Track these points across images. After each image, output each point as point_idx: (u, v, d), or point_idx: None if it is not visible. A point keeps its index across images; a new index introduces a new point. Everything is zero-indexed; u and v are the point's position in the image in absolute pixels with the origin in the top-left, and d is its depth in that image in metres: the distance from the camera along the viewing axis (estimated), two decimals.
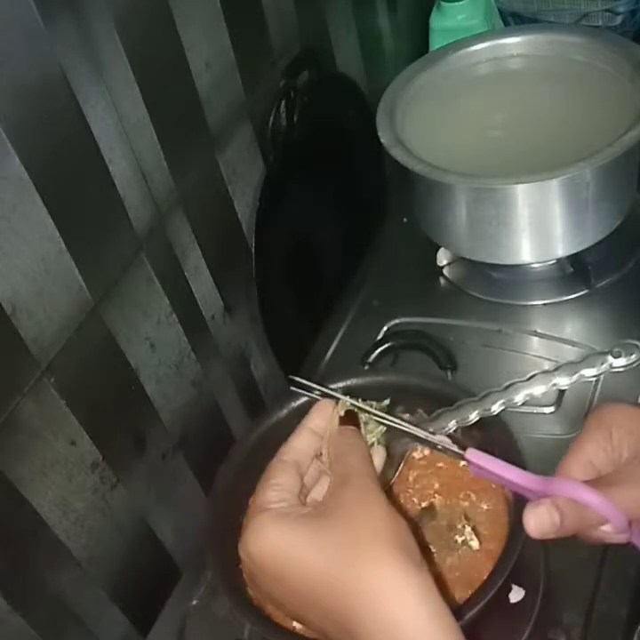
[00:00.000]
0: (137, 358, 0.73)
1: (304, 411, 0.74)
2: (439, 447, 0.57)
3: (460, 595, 0.62)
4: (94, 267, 0.66)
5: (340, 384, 0.73)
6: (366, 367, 0.85)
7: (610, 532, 0.50)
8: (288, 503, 0.50)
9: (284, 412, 0.74)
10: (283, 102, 0.89)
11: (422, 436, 0.57)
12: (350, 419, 0.56)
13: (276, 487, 0.51)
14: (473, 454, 0.54)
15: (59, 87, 0.61)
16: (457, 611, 0.59)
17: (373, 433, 0.57)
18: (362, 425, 0.57)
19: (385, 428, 0.57)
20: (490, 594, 0.57)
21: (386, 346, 0.87)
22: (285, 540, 0.47)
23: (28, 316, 0.60)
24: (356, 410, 0.57)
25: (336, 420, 0.56)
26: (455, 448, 0.56)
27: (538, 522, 0.48)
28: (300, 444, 0.54)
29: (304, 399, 0.73)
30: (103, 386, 0.70)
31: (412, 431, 0.57)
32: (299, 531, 0.47)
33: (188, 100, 0.77)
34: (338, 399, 0.58)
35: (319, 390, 0.60)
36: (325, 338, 0.96)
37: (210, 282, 0.84)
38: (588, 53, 0.92)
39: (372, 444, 0.57)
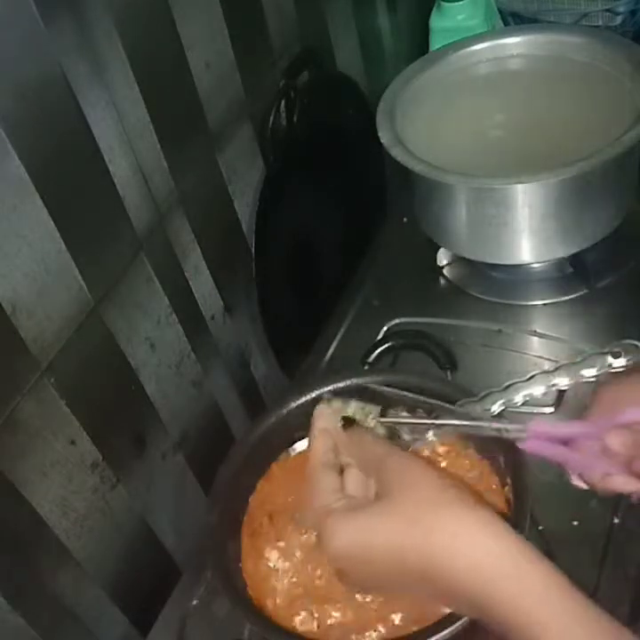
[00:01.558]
0: (137, 358, 0.73)
1: (304, 410, 0.74)
2: (500, 428, 0.58)
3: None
4: (94, 267, 0.66)
5: (340, 384, 0.73)
6: (366, 367, 0.85)
7: None
8: (344, 499, 0.53)
9: (284, 411, 0.74)
10: (283, 102, 0.89)
11: (484, 425, 0.58)
12: (349, 422, 0.59)
13: (326, 491, 0.54)
14: (537, 424, 0.56)
15: (59, 87, 0.61)
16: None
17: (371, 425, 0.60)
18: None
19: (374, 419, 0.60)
20: None
21: (386, 346, 0.87)
22: (361, 527, 0.51)
23: (28, 316, 0.60)
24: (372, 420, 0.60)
25: (338, 422, 0.58)
26: (516, 426, 0.57)
27: (619, 439, 0.54)
28: (319, 446, 0.57)
29: (303, 399, 0.73)
30: (103, 386, 0.70)
31: (465, 424, 0.59)
32: (368, 515, 0.51)
33: (188, 100, 0.77)
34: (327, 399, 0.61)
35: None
36: (325, 338, 0.96)
37: (210, 282, 0.84)
38: (588, 53, 0.92)
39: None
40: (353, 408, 0.60)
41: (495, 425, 0.58)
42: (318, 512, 0.53)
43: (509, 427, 0.57)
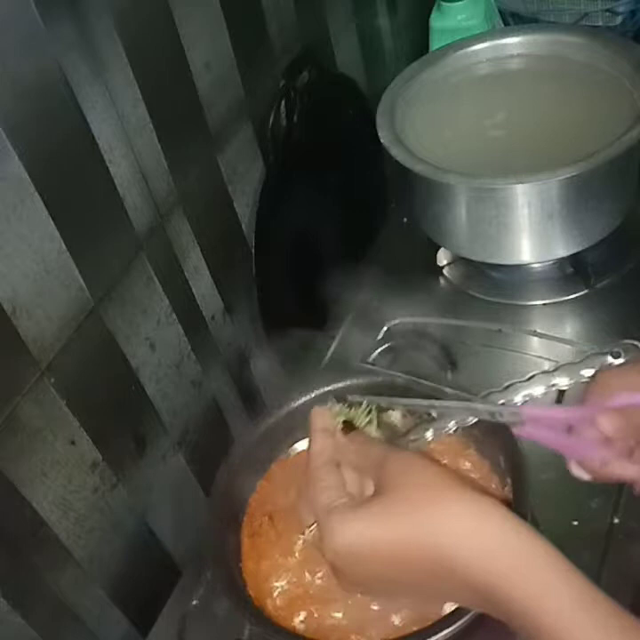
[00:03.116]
0: (137, 358, 0.73)
1: (304, 411, 0.74)
2: (493, 411, 0.57)
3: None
4: (94, 267, 0.66)
5: (340, 384, 0.73)
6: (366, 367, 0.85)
7: None
8: (346, 498, 0.53)
9: (284, 411, 0.74)
10: (283, 102, 0.89)
11: (476, 408, 0.58)
12: (349, 425, 0.58)
13: (329, 488, 0.53)
14: (529, 408, 0.57)
15: (59, 87, 0.61)
16: (457, 611, 0.59)
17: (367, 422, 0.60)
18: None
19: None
20: None
21: (386, 346, 0.87)
22: (363, 526, 0.50)
23: (28, 316, 0.60)
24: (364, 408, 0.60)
25: (338, 426, 0.58)
26: (510, 409, 0.57)
27: (610, 421, 0.54)
28: (321, 446, 0.57)
29: (303, 400, 0.74)
30: (103, 386, 0.70)
31: (460, 406, 0.59)
32: (370, 513, 0.50)
33: (188, 100, 0.77)
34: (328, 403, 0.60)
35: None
36: (325, 338, 0.96)
37: (210, 282, 0.84)
38: (588, 53, 0.92)
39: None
40: (351, 411, 0.60)
41: (489, 408, 0.58)
42: (320, 510, 0.52)
43: (503, 410, 0.57)
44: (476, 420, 0.60)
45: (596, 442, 0.55)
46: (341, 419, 0.58)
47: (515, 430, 0.58)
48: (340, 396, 0.60)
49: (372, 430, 0.59)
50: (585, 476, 0.57)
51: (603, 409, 0.55)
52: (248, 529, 0.70)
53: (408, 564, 0.48)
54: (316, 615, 0.64)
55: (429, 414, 0.63)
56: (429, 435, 0.62)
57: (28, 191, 0.59)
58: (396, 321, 0.94)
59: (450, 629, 0.57)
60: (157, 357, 0.76)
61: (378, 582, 0.51)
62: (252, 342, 0.93)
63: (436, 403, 0.59)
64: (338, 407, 0.59)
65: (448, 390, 0.61)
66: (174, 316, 0.78)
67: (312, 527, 0.65)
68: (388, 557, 0.49)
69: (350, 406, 0.59)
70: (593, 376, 0.59)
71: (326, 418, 0.58)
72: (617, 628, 0.42)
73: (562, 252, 0.88)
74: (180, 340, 0.80)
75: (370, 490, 0.54)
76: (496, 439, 0.65)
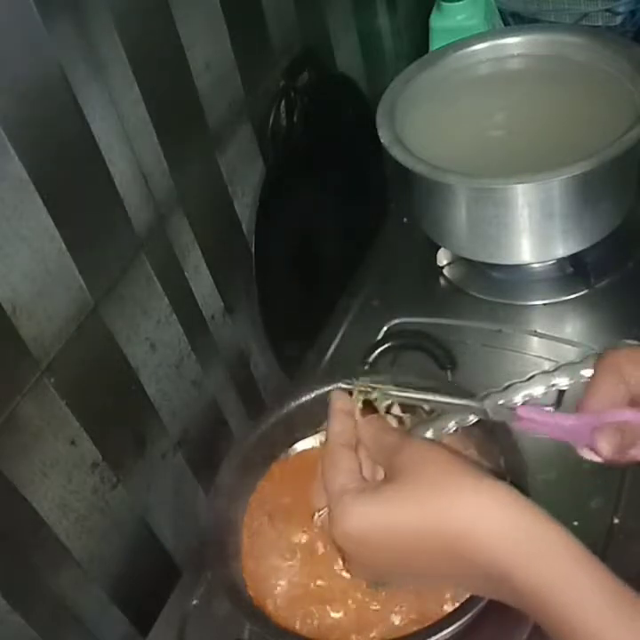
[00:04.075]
0: (137, 358, 0.73)
1: (304, 410, 0.74)
2: (488, 412, 0.57)
3: (461, 594, 0.62)
4: (94, 267, 0.66)
5: (340, 384, 0.73)
6: (366, 367, 0.85)
7: None
8: (360, 481, 0.52)
9: (284, 411, 0.74)
10: (283, 102, 0.89)
11: (472, 405, 0.58)
12: (369, 407, 0.58)
13: (344, 471, 0.53)
14: (525, 410, 0.56)
15: (59, 87, 0.61)
16: (458, 610, 0.59)
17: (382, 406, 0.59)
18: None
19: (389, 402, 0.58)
20: None
21: (386, 346, 0.87)
22: (377, 509, 0.49)
23: (28, 316, 0.60)
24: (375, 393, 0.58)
25: (357, 411, 0.57)
26: (505, 409, 0.57)
27: (607, 443, 0.53)
28: (340, 427, 0.56)
29: (303, 399, 0.74)
30: (103, 386, 0.70)
31: (457, 402, 0.58)
32: (384, 497, 0.49)
33: (188, 100, 0.77)
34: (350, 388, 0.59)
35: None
36: (325, 338, 0.96)
37: (210, 282, 0.84)
38: (589, 53, 0.92)
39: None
40: (373, 392, 0.58)
41: (483, 406, 0.57)
42: (333, 492, 0.51)
43: (496, 410, 0.57)
44: (476, 419, 0.60)
45: (590, 429, 0.55)
46: (361, 398, 0.57)
47: (510, 425, 0.58)
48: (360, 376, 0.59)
49: (393, 417, 0.59)
50: (596, 458, 0.56)
51: (597, 423, 0.54)
52: (248, 529, 0.70)
53: (420, 548, 0.47)
54: (316, 615, 0.64)
55: (424, 410, 0.63)
56: (429, 434, 0.61)
57: (27, 191, 0.59)
58: (396, 321, 0.94)
59: (450, 629, 0.57)
60: (157, 357, 0.76)
61: (388, 567, 0.51)
62: (252, 342, 0.93)
63: (430, 397, 0.58)
64: (360, 386, 0.58)
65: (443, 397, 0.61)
66: (174, 316, 0.78)
67: (322, 511, 0.65)
68: (399, 542, 0.48)
69: (373, 388, 0.58)
70: (602, 356, 0.58)
71: (347, 400, 0.57)
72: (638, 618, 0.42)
73: (562, 252, 0.88)
74: (180, 339, 0.80)
75: (381, 476, 0.53)
76: (496, 439, 0.65)
